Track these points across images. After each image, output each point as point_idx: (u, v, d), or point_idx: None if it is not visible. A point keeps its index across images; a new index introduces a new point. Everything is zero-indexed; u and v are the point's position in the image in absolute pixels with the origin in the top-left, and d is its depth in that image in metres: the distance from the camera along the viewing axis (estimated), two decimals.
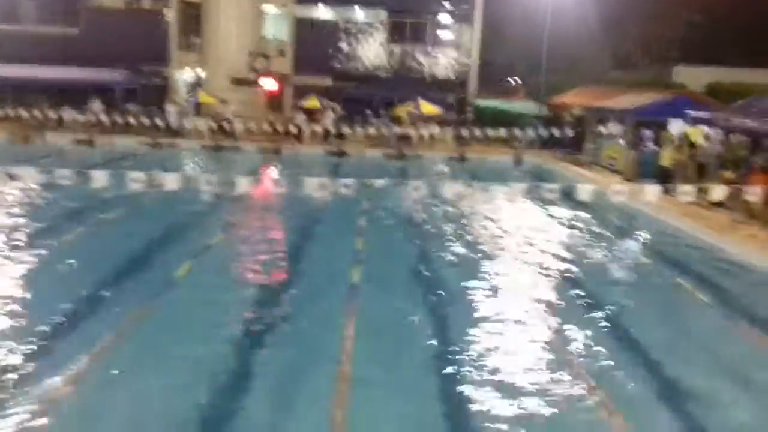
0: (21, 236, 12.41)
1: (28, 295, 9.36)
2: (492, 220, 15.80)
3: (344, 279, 10.60)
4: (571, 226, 15.51)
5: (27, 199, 15.45)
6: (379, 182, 12.89)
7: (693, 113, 18.84)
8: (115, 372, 7.26)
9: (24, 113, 28.50)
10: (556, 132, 28.04)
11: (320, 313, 9.18)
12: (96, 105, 29.83)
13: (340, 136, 28.75)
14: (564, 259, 12.58)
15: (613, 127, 24.15)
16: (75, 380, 6.99)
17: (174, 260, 11.25)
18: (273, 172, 23.19)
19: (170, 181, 11.62)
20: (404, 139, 28.85)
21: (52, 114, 28.81)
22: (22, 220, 13.63)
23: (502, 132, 28.88)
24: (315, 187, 12.02)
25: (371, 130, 28.74)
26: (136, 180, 11.39)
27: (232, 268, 11.27)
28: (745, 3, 38.01)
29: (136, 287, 10.02)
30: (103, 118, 28.62)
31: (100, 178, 11.54)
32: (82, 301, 9.24)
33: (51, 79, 31.79)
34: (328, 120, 29.68)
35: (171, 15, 36.26)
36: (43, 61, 32.78)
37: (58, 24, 36.13)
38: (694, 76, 32.25)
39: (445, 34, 37.91)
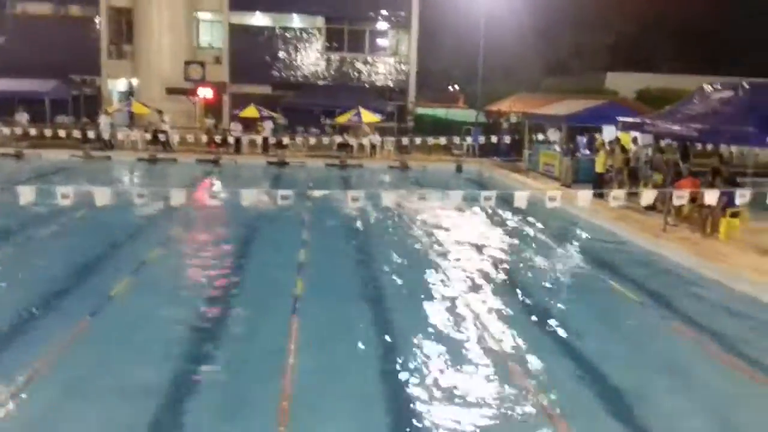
0: None
1: None
2: (432, 227, 15.90)
3: (287, 291, 10.44)
4: (509, 233, 15.77)
5: None
6: (319, 193, 12.77)
7: (623, 119, 19.41)
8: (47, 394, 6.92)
9: None
10: (494, 139, 28.45)
11: (263, 327, 9.01)
12: (23, 117, 28.68)
13: (281, 145, 28.47)
14: (502, 265, 12.77)
15: (552, 134, 24.71)
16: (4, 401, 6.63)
17: (110, 278, 10.87)
18: (211, 184, 22.77)
19: (102, 196, 11.20)
20: (345, 147, 28.80)
21: None
22: None
23: (443, 139, 29.17)
24: (254, 198, 11.80)
25: (312, 140, 28.58)
26: (65, 195, 10.93)
27: (169, 283, 10.96)
28: (674, 12, 39.52)
29: (70, 306, 9.62)
30: (31, 130, 27.52)
31: (27, 193, 11.04)
32: (13, 321, 8.81)
33: None
34: (267, 129, 29.35)
35: (101, 22, 35.27)
36: None
37: None
38: (625, 83, 33.35)
39: (383, 42, 38.10)
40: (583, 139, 23.52)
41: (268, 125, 29.63)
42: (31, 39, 34.34)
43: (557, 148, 23.64)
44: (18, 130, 27.44)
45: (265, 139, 28.81)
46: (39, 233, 13.86)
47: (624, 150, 19.24)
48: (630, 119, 19.12)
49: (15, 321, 8.97)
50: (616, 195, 12.45)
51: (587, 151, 22.57)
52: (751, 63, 31.92)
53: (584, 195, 12.28)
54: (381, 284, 11.32)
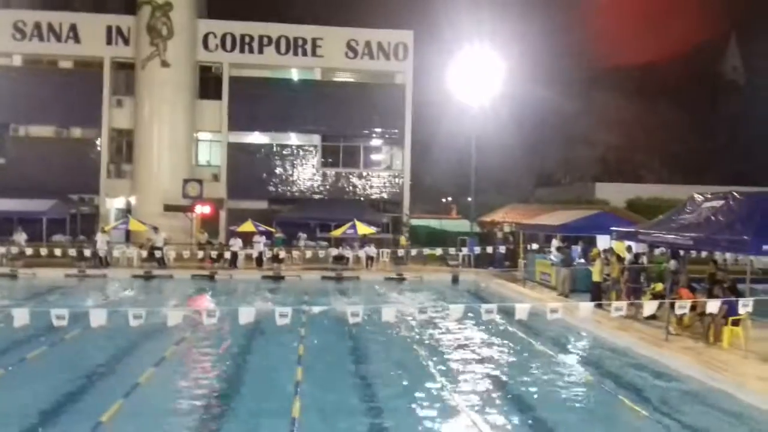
0: None
1: None
2: (431, 340, 15.64)
3: (285, 414, 10.08)
4: (510, 345, 15.49)
5: None
6: (316, 309, 12.62)
7: (617, 228, 19.64)
8: None
9: None
10: (488, 249, 28.62)
11: None
12: (20, 236, 28.83)
13: (277, 259, 28.52)
14: (504, 377, 12.46)
15: (556, 243, 24.74)
16: None
17: (100, 402, 10.51)
18: (206, 301, 22.56)
19: (96, 317, 11.06)
20: (340, 260, 28.87)
21: None
22: None
23: (438, 250, 29.32)
24: (249, 316, 11.67)
25: (308, 253, 28.67)
26: (60, 317, 10.79)
27: (160, 408, 10.58)
28: (660, 126, 41.09)
29: None
30: (27, 249, 27.60)
31: (21, 316, 10.89)
32: None
33: None
34: (261, 244, 29.42)
35: (102, 143, 36.23)
36: None
37: None
38: (614, 193, 34.09)
39: (377, 157, 39.13)
40: (577, 249, 23.69)
41: (261, 240, 29.75)
42: (32, 160, 35.20)
43: (553, 258, 23.74)
44: (14, 250, 27.55)
45: (260, 254, 28.87)
46: (31, 354, 13.51)
47: (620, 259, 19.31)
48: (624, 229, 19.33)
49: None
50: (618, 306, 12.38)
51: (582, 261, 22.67)
52: (732, 171, 32.94)
53: (585, 307, 12.19)
54: (379, 401, 10.97)
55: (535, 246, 26.57)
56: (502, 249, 28.60)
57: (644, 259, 19.86)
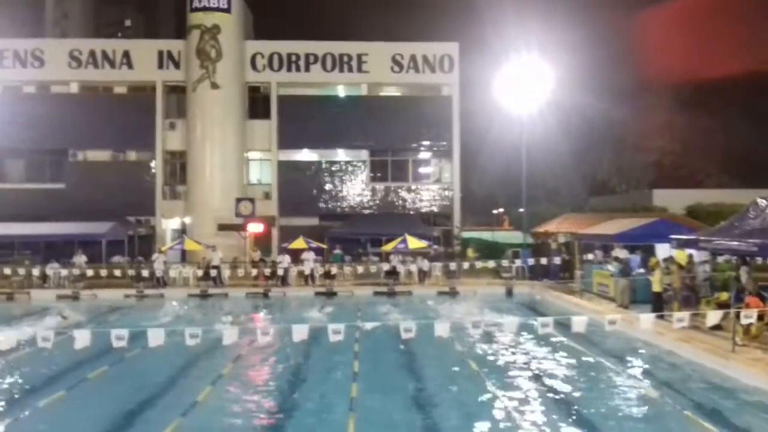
0: None
1: None
2: (487, 354, 15.36)
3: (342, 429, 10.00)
4: (570, 359, 15.07)
5: (6, 363, 14.83)
6: (369, 325, 12.54)
7: (676, 236, 18.98)
8: None
9: (8, 271, 28.18)
10: (543, 260, 28.04)
11: None
12: (80, 259, 29.71)
13: (329, 275, 28.61)
14: (565, 393, 12.10)
15: (620, 251, 23.96)
16: None
17: (159, 419, 10.63)
18: (260, 318, 22.76)
19: (154, 337, 11.24)
20: (392, 274, 28.75)
21: (35, 271, 28.44)
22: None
23: (491, 263, 28.93)
24: (303, 333, 11.69)
25: (359, 269, 28.67)
26: (119, 338, 11.00)
27: (218, 426, 10.64)
28: (718, 129, 39.78)
29: None
30: (88, 271, 28.42)
31: (83, 338, 11.14)
32: None
33: (37, 234, 31.84)
34: (311, 261, 29.52)
35: (156, 165, 37.16)
36: (31, 217, 33.06)
37: (46, 180, 36.85)
38: (673, 199, 33.06)
39: (426, 170, 39.03)
40: (636, 258, 23.01)
41: (311, 256, 29.88)
42: (90, 184, 36.33)
43: (610, 267, 23.11)
44: (75, 272, 28.42)
45: (312, 270, 29.03)
46: (92, 374, 13.80)
47: (681, 268, 18.64)
48: (684, 236, 18.68)
49: None
50: (680, 317, 11.91)
51: (641, 270, 21.99)
52: None
53: (646, 318, 11.77)
54: (438, 418, 10.79)
55: (590, 256, 25.88)
56: (557, 260, 27.95)
57: (707, 268, 19.13)
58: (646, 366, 14.64)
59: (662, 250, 21.11)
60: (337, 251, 31.73)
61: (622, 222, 24.78)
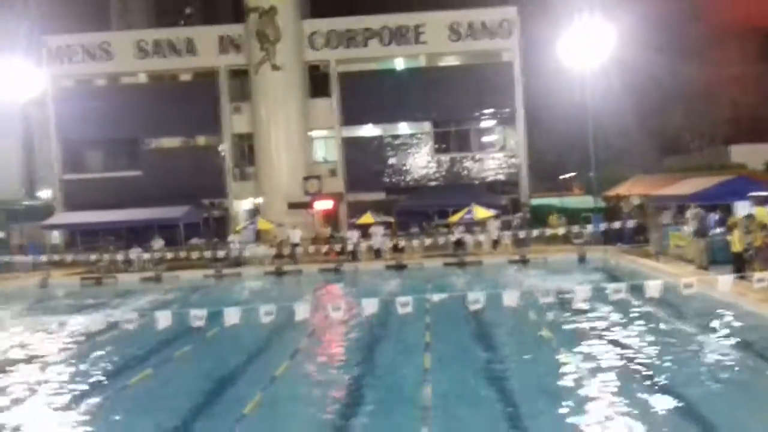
0: (79, 385, 12.52)
1: None
2: (563, 323, 15.24)
3: (416, 400, 10.19)
4: (647, 323, 14.76)
5: (92, 345, 15.69)
6: (437, 297, 12.63)
7: (756, 194, 18.20)
8: None
9: (94, 257, 29.68)
10: (616, 224, 27.35)
11: None
12: (158, 243, 30.93)
13: (398, 248, 28.84)
14: (642, 360, 11.89)
15: (691, 213, 23.15)
16: None
17: (242, 395, 11.08)
18: (335, 292, 23.25)
19: (232, 316, 11.70)
20: (461, 245, 28.71)
21: (119, 255, 29.86)
22: (79, 367, 13.82)
23: (561, 229, 28.48)
24: (373, 307, 11.94)
25: (428, 241, 28.74)
26: (198, 317, 11.50)
27: (300, 399, 11.02)
28: None
29: (205, 428, 9.87)
30: (168, 254, 29.63)
31: (164, 318, 11.69)
32: None
33: (117, 221, 33.39)
34: (378, 235, 29.78)
35: (225, 148, 38.11)
36: (111, 205, 34.62)
37: (122, 168, 38.35)
38: (752, 155, 31.62)
39: (490, 139, 38.55)
40: (714, 217, 22.21)
41: (378, 230, 30.15)
42: (164, 170, 37.57)
43: (686, 228, 22.39)
44: (156, 255, 29.70)
45: (381, 245, 29.35)
46: (176, 353, 14.42)
47: (763, 226, 17.88)
48: (764, 193, 17.90)
49: None
50: (761, 277, 11.50)
51: (719, 230, 21.20)
52: None
53: (725, 279, 11.42)
54: (511, 389, 10.84)
55: (664, 219, 25.03)
56: (631, 223, 27.21)
57: None
58: (727, 329, 14.18)
59: (742, 209, 20.32)
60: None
61: (698, 181, 23.95)
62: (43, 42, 38.32)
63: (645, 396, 9.98)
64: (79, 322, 18.23)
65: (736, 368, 11.32)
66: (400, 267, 27.28)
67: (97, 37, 39.42)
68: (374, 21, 37.72)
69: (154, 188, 36.17)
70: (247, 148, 38.54)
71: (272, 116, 36.48)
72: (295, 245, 29.41)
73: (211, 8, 76.11)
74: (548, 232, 28.54)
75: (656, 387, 10.44)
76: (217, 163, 38.43)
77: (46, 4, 48.11)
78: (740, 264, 17.49)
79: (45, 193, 49.61)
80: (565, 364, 11.90)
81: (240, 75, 38.08)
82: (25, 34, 39.76)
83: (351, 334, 15.81)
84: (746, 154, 32.55)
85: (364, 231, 30.62)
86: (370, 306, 12.08)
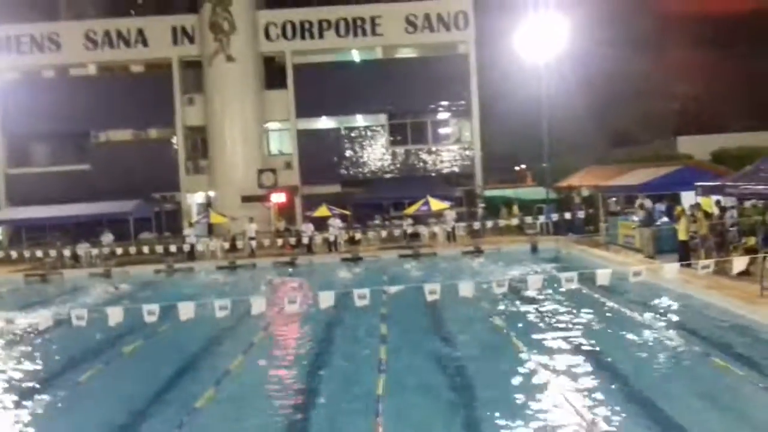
0: (30, 382, 12.21)
1: None
2: (515, 312, 15.47)
3: (371, 393, 10.22)
4: (596, 311, 15.13)
5: (40, 342, 15.31)
6: (393, 289, 12.68)
7: (702, 183, 18.76)
8: None
9: (39, 253, 28.84)
10: (567, 215, 27.89)
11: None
12: (108, 238, 30.20)
13: (353, 241, 28.83)
14: (591, 345, 12.20)
15: (644, 200, 23.75)
16: None
17: (194, 390, 10.94)
18: (289, 286, 23.09)
19: (185, 310, 11.53)
20: (416, 237, 28.88)
21: (66, 251, 29.08)
22: (28, 366, 13.48)
23: (514, 220, 28.88)
24: (330, 300, 11.89)
25: (383, 233, 28.83)
26: (151, 313, 11.29)
27: (254, 393, 10.94)
28: (742, 73, 38.81)
29: (154, 422, 9.72)
30: (117, 249, 28.93)
31: (115, 314, 11.45)
32: None
33: (65, 216, 32.48)
34: (335, 228, 29.73)
35: (178, 142, 37.44)
36: (59, 199, 33.61)
37: (70, 162, 37.30)
38: (698, 146, 32.53)
39: (445, 131, 38.77)
40: (660, 207, 22.81)
41: (336, 223, 30.10)
42: (114, 163, 36.68)
43: (634, 218, 22.96)
44: (105, 250, 28.98)
45: (335, 237, 29.32)
46: (125, 349, 14.16)
47: (707, 215, 18.45)
48: (709, 183, 18.46)
49: None
50: (705, 264, 11.86)
51: (666, 219, 21.81)
52: None
53: (671, 267, 11.74)
54: (465, 377, 10.96)
55: (612, 206, 25.67)
56: (581, 214, 27.80)
57: (734, 213, 18.92)
58: (673, 315, 14.64)
59: (688, 198, 20.92)
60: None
61: (646, 171, 24.53)
62: None
63: (593, 379, 10.25)
64: (24, 320, 17.73)
65: (680, 350, 11.71)
66: (355, 259, 27.30)
67: (45, 27, 38.13)
68: (330, 12, 37.45)
69: (104, 182, 35.30)
70: (200, 141, 37.94)
71: (226, 108, 35.97)
72: (251, 239, 29.15)
73: None
74: (501, 222, 28.90)
75: (603, 370, 10.73)
76: (169, 156, 37.71)
77: None
78: (686, 252, 18.03)
79: None
80: (518, 351, 12.10)
81: (193, 66, 37.39)
82: None
83: (306, 327, 15.75)
84: (693, 145, 33.47)
85: (320, 224, 30.49)
86: (327, 299, 12.03)
